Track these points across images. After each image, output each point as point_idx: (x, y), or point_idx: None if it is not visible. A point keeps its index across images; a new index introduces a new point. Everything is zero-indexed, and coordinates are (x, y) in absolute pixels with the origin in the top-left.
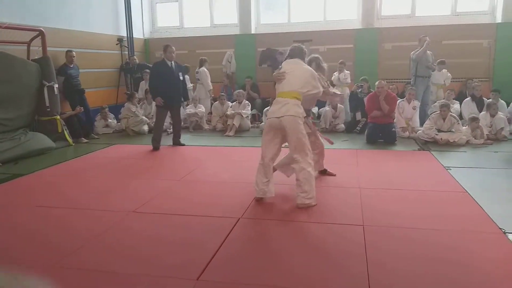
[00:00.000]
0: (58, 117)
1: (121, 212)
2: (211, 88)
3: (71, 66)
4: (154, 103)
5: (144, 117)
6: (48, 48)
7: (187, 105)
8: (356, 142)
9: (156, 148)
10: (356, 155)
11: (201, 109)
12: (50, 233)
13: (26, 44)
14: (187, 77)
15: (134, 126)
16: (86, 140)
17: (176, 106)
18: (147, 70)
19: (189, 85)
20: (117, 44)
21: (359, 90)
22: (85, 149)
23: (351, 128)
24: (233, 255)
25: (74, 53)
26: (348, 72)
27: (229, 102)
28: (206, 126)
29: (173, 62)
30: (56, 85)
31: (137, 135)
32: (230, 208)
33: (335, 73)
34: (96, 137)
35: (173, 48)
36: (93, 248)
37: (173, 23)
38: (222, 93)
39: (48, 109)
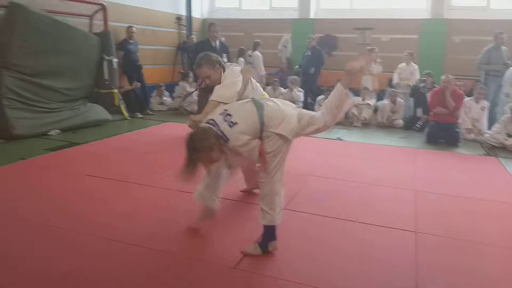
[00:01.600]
0: (116, 90)
1: (165, 189)
2: (264, 72)
3: (131, 41)
4: None
5: None
6: (109, 23)
7: None
8: (414, 141)
9: None
10: (414, 154)
11: None
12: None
13: (89, 18)
14: (241, 59)
15: (188, 105)
16: (141, 115)
17: None
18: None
19: None
20: (175, 23)
21: (422, 84)
22: (139, 124)
23: (410, 125)
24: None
25: (134, 28)
26: (416, 66)
27: (282, 88)
28: None
29: (217, 42)
30: (115, 60)
31: (190, 115)
32: None
33: (400, 65)
34: (151, 113)
35: (217, 27)
36: (122, 225)
37: (231, 4)
38: (276, 79)
39: (107, 82)
